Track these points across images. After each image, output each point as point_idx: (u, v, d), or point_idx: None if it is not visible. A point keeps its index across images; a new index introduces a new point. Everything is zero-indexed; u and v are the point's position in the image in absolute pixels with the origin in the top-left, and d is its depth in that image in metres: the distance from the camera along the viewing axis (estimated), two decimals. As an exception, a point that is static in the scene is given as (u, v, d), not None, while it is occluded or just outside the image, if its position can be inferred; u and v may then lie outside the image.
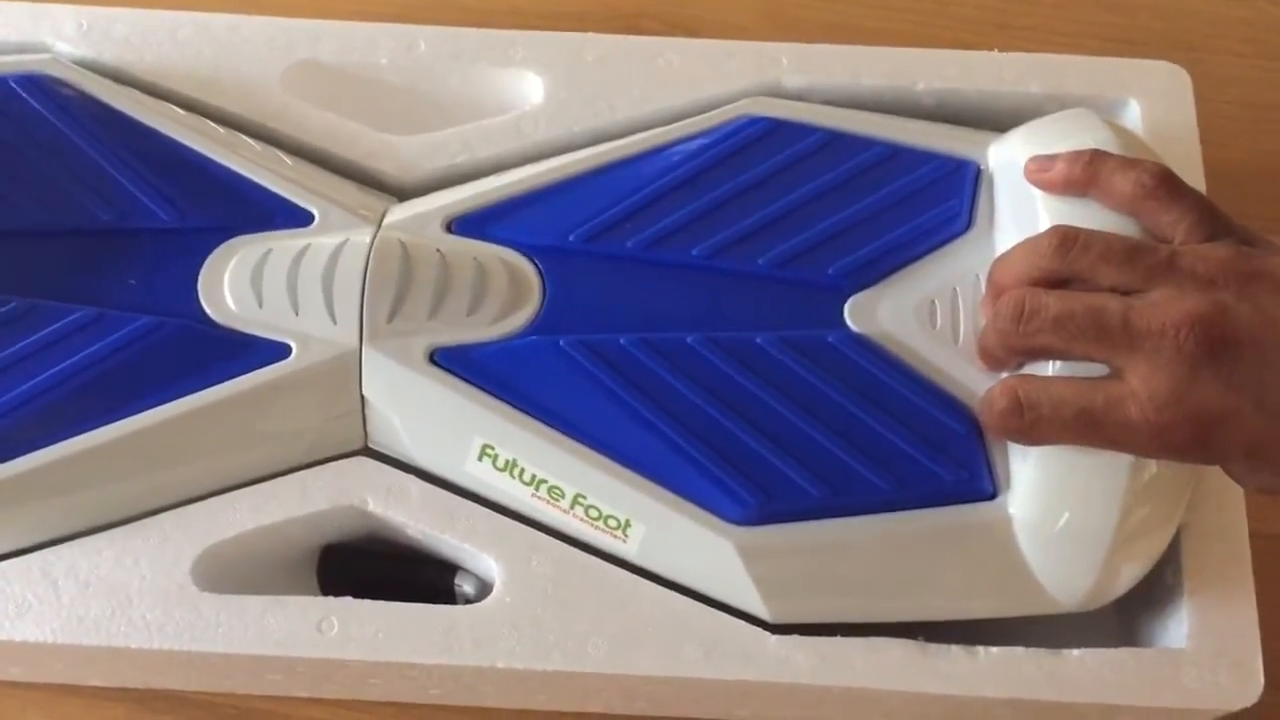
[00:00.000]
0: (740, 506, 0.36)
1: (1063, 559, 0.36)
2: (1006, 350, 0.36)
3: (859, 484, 0.36)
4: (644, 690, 0.38)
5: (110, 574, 0.37)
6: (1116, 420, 0.34)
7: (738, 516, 0.36)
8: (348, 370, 0.38)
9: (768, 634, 0.37)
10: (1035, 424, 0.34)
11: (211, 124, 0.43)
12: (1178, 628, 0.38)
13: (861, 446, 0.36)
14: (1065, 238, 0.35)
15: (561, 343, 0.38)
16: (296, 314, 0.38)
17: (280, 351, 0.38)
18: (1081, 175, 0.37)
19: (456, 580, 0.39)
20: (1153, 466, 0.35)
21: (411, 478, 0.39)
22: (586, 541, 0.38)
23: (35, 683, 0.42)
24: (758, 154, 0.42)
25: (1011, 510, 0.36)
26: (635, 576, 0.37)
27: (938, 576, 0.37)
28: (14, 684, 0.42)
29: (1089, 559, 0.36)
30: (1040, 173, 0.38)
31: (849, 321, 0.39)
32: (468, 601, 0.38)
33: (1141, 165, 0.37)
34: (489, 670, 0.36)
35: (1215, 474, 0.39)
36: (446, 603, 0.38)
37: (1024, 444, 0.36)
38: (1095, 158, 0.37)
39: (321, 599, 0.37)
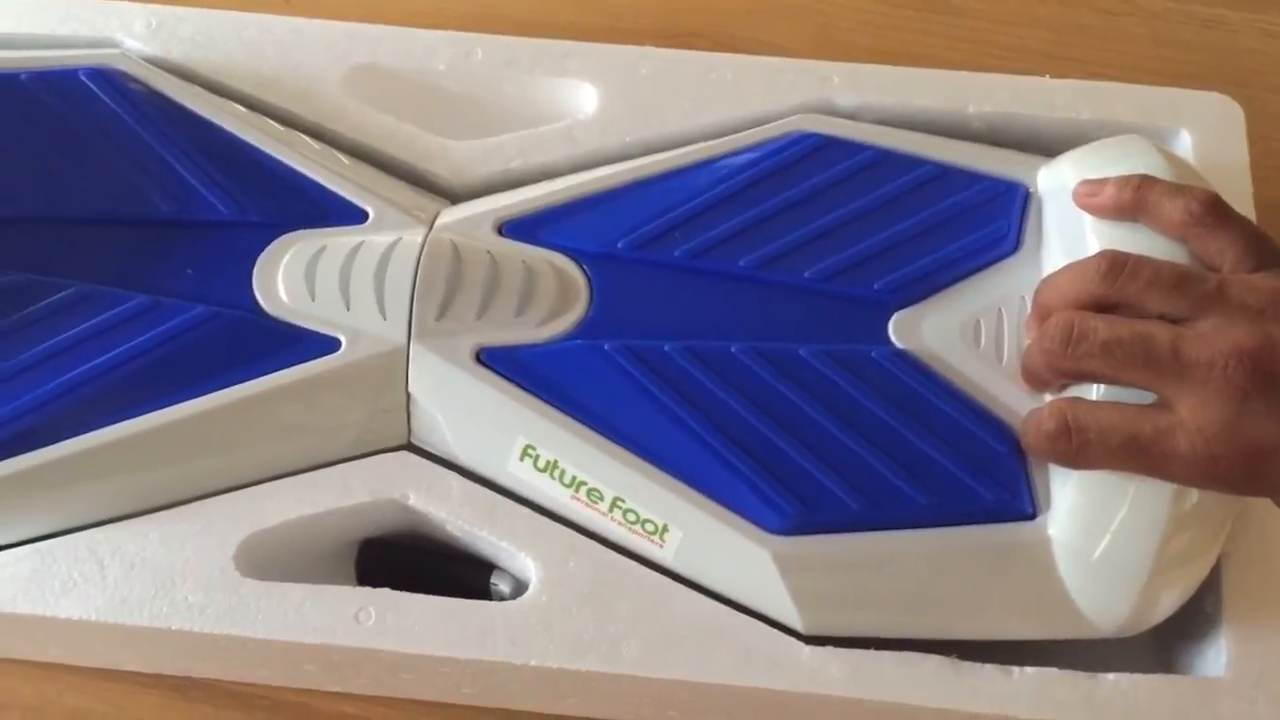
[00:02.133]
0: (779, 516, 0.36)
1: (1101, 583, 0.36)
2: (1052, 371, 0.36)
3: (898, 499, 0.36)
4: (676, 697, 0.38)
5: (155, 556, 0.38)
6: (1165, 450, 0.33)
7: (776, 526, 0.36)
8: (395, 366, 0.39)
9: (801, 644, 0.37)
10: (1083, 449, 0.34)
11: (271, 122, 0.44)
12: (1216, 657, 0.37)
13: (902, 461, 0.36)
14: (1114, 263, 0.35)
15: (606, 347, 0.38)
16: (348, 309, 0.39)
17: (330, 345, 0.39)
18: (1130, 200, 0.37)
19: (493, 579, 0.40)
20: (1195, 494, 0.35)
21: (453, 474, 0.39)
22: (623, 545, 0.38)
23: (72, 664, 0.43)
24: (807, 169, 0.42)
25: (1051, 532, 0.36)
26: (671, 581, 0.38)
27: (974, 595, 0.37)
28: (50, 665, 0.43)
29: (1128, 585, 0.36)
30: (1089, 197, 0.38)
31: (893, 337, 0.39)
32: (503, 600, 0.39)
33: (1191, 192, 0.37)
34: (523, 669, 0.37)
35: (1258, 503, 0.39)
36: (482, 600, 0.38)
37: (1070, 468, 0.36)
38: (1144, 183, 0.37)
39: (360, 589, 0.37)
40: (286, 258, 0.40)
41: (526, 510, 0.38)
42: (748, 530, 0.36)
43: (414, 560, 0.40)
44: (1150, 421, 0.34)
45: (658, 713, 0.41)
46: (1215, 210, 0.36)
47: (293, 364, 0.38)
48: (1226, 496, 0.36)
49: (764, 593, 0.36)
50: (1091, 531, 0.36)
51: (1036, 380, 0.37)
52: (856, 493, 0.36)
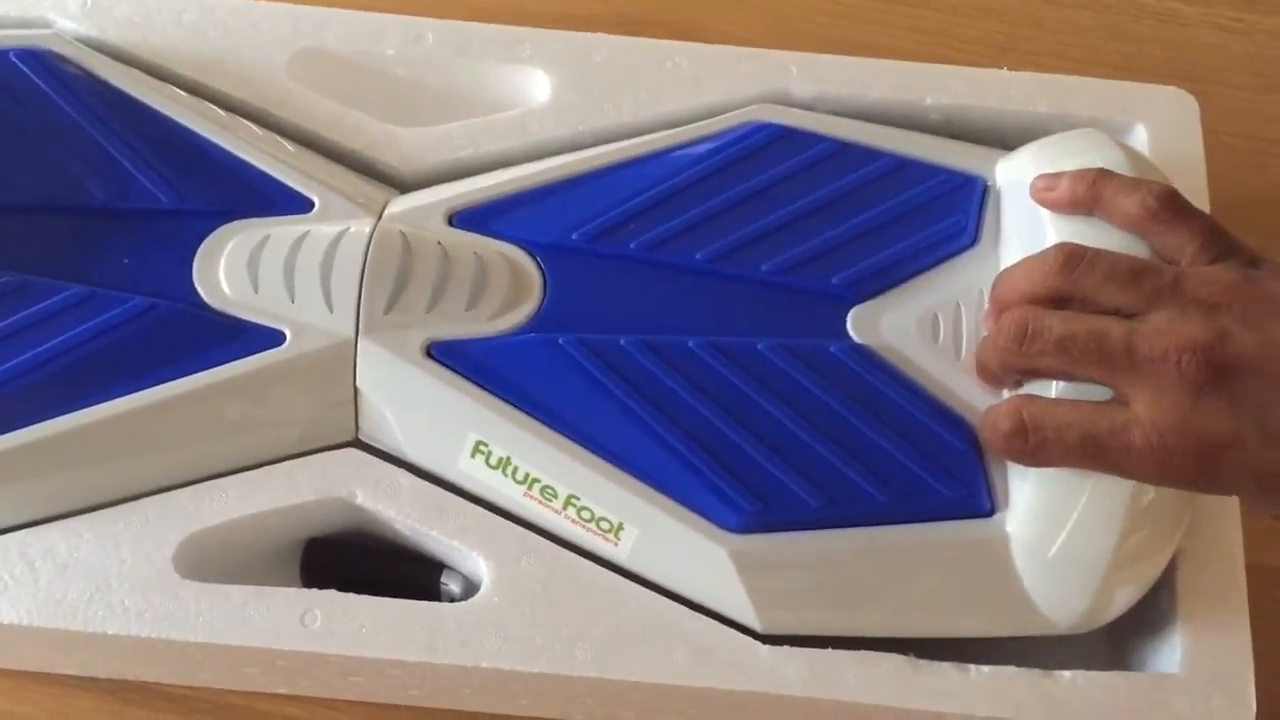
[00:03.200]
0: (736, 514, 0.35)
1: (1059, 580, 0.36)
2: (1005, 369, 0.36)
3: (857, 496, 0.35)
4: (630, 698, 0.38)
5: (90, 557, 0.36)
6: (1121, 446, 0.33)
7: (733, 524, 0.35)
8: (342, 360, 0.37)
9: (759, 644, 0.36)
10: (1040, 447, 0.34)
11: (213, 107, 0.42)
12: (1170, 653, 0.37)
13: (861, 458, 0.36)
14: (1071, 256, 0.35)
15: (560, 341, 0.37)
16: (292, 301, 0.38)
17: (274, 339, 0.38)
18: (1086, 194, 0.37)
19: (443, 579, 0.39)
20: (1152, 491, 0.35)
21: (402, 471, 0.38)
22: (577, 544, 0.37)
23: (3, 669, 0.42)
24: (765, 160, 0.41)
25: (1009, 529, 0.36)
26: (626, 581, 0.37)
27: (933, 592, 0.36)
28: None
29: (1085, 581, 0.35)
30: (1046, 191, 0.38)
31: (851, 332, 0.38)
32: (453, 600, 0.38)
33: (1147, 186, 0.36)
34: (474, 671, 0.36)
35: (1212, 501, 0.39)
36: (432, 601, 0.37)
37: (1027, 465, 0.35)
38: (1100, 177, 0.37)
39: (306, 591, 0.36)
40: (229, 248, 0.39)
41: (478, 509, 0.37)
42: (705, 528, 0.35)
43: (362, 560, 0.39)
44: (1106, 418, 0.33)
45: (610, 713, 0.40)
46: (1172, 204, 0.36)
47: (235, 358, 0.37)
48: (1182, 494, 0.36)
49: (721, 591, 0.36)
50: (1049, 528, 0.35)
51: (991, 377, 0.37)
52: (815, 490, 0.35)
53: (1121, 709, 0.36)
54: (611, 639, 0.36)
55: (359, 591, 0.37)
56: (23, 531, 0.37)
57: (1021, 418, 0.34)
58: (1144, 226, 0.36)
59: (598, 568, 0.37)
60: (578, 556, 0.37)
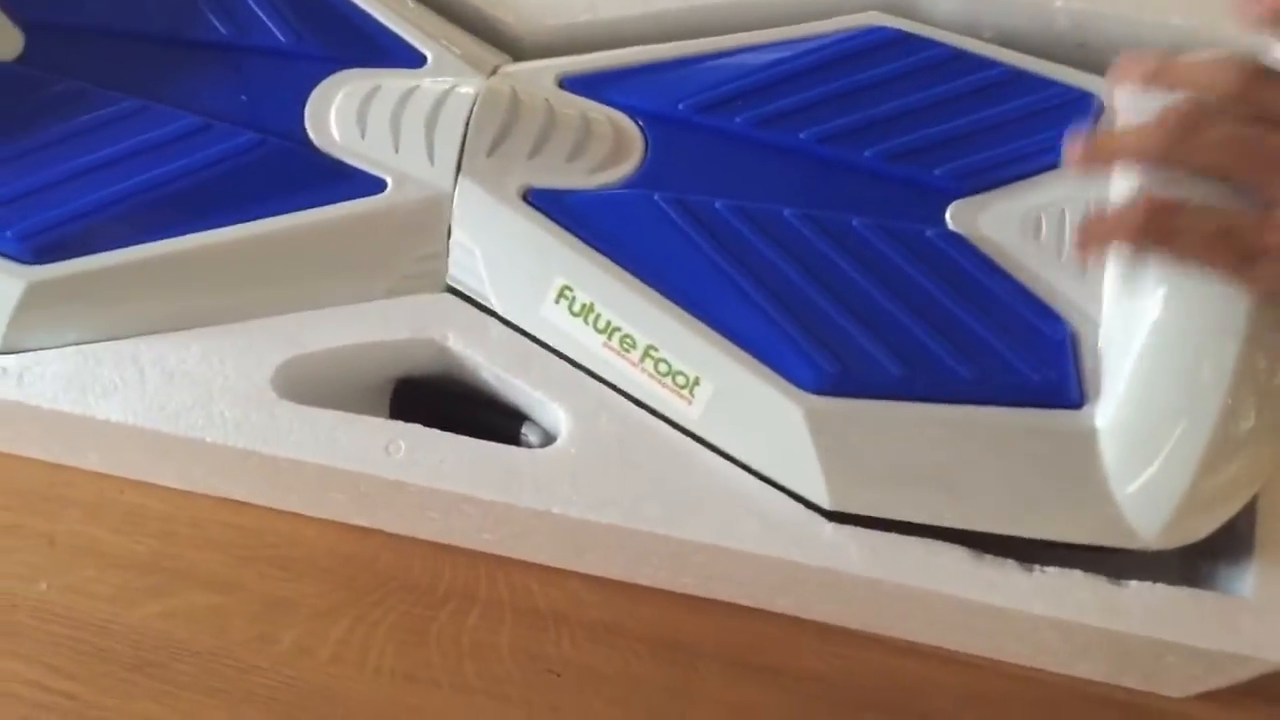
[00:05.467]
0: (815, 373, 0.35)
1: (1148, 486, 0.35)
2: (1164, 155, 0.33)
3: (941, 370, 0.35)
4: (692, 560, 0.38)
5: (195, 369, 0.38)
6: (1258, 245, 0.32)
7: (811, 383, 0.35)
8: (439, 212, 0.38)
9: (824, 520, 0.37)
10: (1173, 230, 0.33)
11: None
12: (1242, 578, 0.37)
13: (947, 335, 0.36)
14: (1258, 69, 0.33)
15: (656, 197, 0.37)
16: (396, 151, 0.39)
17: (376, 185, 0.39)
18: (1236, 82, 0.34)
19: (524, 429, 0.40)
20: (1250, 416, 0.34)
21: (493, 320, 0.39)
22: (652, 405, 0.38)
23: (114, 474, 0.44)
24: (878, 58, 0.41)
25: (1098, 423, 0.35)
26: (699, 445, 0.37)
27: (1011, 483, 0.36)
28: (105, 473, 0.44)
29: (1175, 490, 0.35)
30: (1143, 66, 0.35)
31: (950, 222, 0.38)
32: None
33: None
34: (545, 516, 0.37)
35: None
36: (512, 450, 0.38)
37: (1154, 251, 0.33)
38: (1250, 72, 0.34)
39: (392, 423, 0.38)
40: (340, 94, 0.40)
41: (562, 363, 0.38)
42: (782, 386, 0.35)
43: (448, 403, 0.41)
44: (1249, 217, 0.32)
45: (672, 577, 0.41)
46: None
47: (337, 200, 0.38)
48: (1275, 422, 0.35)
49: (793, 458, 0.36)
50: (1143, 426, 0.35)
51: (1145, 155, 0.34)
52: (897, 359, 0.35)
53: (1186, 624, 0.36)
54: (681, 499, 0.37)
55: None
56: (136, 339, 0.39)
57: (1163, 198, 0.33)
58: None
59: (673, 431, 0.38)
60: (653, 418, 0.38)
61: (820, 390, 0.35)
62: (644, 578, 0.42)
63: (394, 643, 0.43)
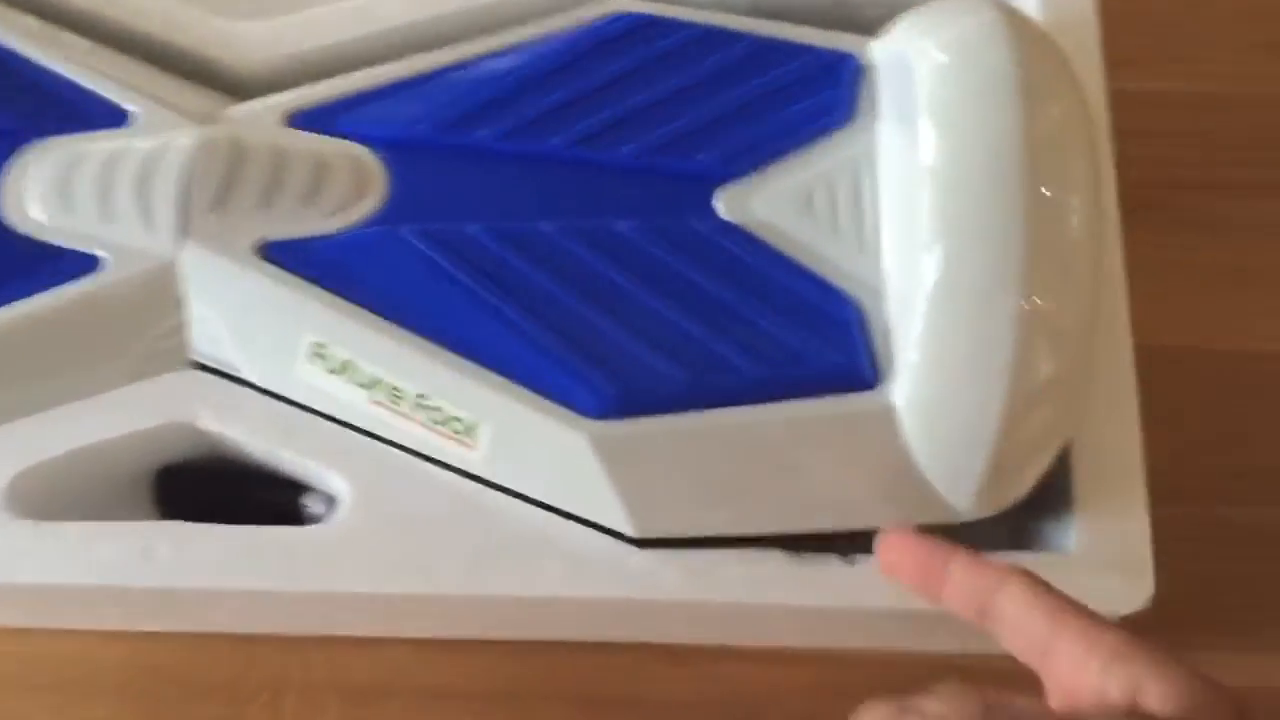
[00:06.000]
0: (595, 398, 0.33)
1: (951, 456, 0.33)
2: None
3: (727, 371, 0.33)
4: (507, 615, 0.36)
5: (-89, 502, 0.34)
6: None
7: (593, 409, 0.33)
8: (166, 283, 0.35)
9: (633, 548, 0.34)
10: None
11: (20, 13, 0.39)
12: (1066, 535, 0.36)
13: (730, 332, 0.33)
14: None
15: (403, 231, 0.35)
16: (109, 222, 0.35)
17: (90, 263, 0.35)
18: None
19: (304, 500, 0.37)
20: (1047, 365, 0.33)
21: (248, 391, 0.36)
22: (435, 455, 0.35)
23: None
24: (624, 47, 0.39)
25: (895, 399, 0.33)
26: (491, 490, 0.35)
27: (817, 477, 0.34)
28: None
29: (979, 453, 0.33)
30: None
31: (720, 211, 0.36)
32: (318, 522, 0.36)
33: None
34: (334, 597, 0.34)
35: (1109, 387, 0.38)
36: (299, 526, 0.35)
37: None
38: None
39: (150, 523, 0.34)
40: (38, 166, 0.36)
41: (331, 426, 0.35)
42: (562, 416, 0.33)
43: (217, 487, 0.37)
44: None
45: (498, 628, 0.39)
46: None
47: (48, 286, 0.34)
48: (1076, 373, 0.34)
49: (587, 490, 0.34)
50: (937, 396, 0.33)
51: None
52: (680, 368, 0.33)
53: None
54: (479, 553, 0.34)
55: (222, 522, 0.35)
56: None
57: None
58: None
59: (460, 479, 0.35)
60: (438, 468, 0.35)
61: (603, 414, 0.33)
62: (470, 633, 0.39)
63: (199, 756, 0.39)
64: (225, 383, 0.36)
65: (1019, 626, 0.30)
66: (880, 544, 0.33)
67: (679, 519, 0.34)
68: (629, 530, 0.34)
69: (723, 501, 0.34)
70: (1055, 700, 0.30)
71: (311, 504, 0.37)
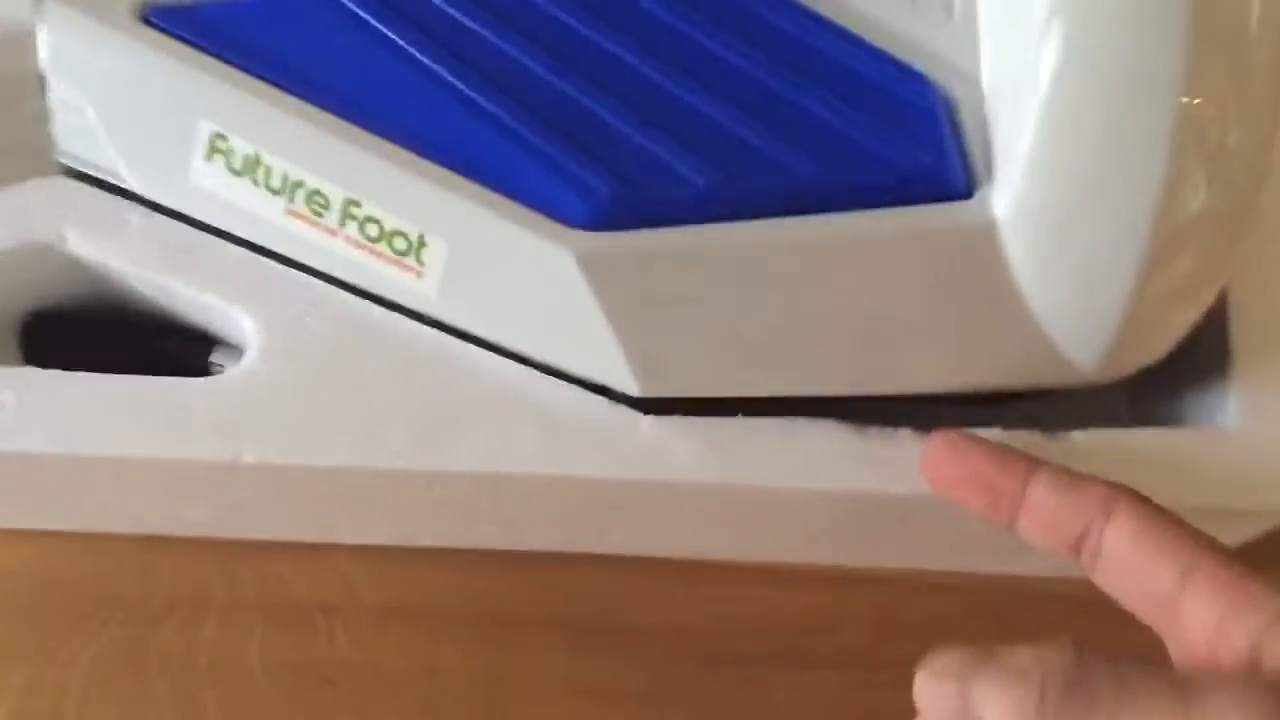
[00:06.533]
0: (586, 200, 0.24)
1: (1075, 291, 0.24)
2: None
3: (769, 171, 0.24)
4: (476, 503, 0.27)
5: None
6: None
7: (583, 215, 0.24)
8: (18, 52, 0.26)
9: (637, 413, 0.26)
10: None
11: None
12: (1219, 408, 0.27)
13: (771, 120, 0.24)
14: None
15: (330, -14, 0.26)
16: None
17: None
18: None
19: (212, 358, 0.28)
20: (1201, 182, 0.24)
21: (128, 203, 0.27)
22: (372, 288, 0.26)
23: None
24: None
25: (996, 211, 0.24)
26: (448, 336, 0.26)
27: (884, 318, 0.25)
28: None
29: (1114, 294, 0.24)
30: None
31: (761, -28, 0.27)
32: (225, 384, 0.27)
33: None
34: (235, 468, 0.25)
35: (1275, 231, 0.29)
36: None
37: None
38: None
39: (-4, 371, 0.26)
40: None
41: (238, 249, 0.27)
42: (540, 225, 0.24)
43: (100, 335, 0.29)
44: None
45: (466, 529, 0.30)
46: None
47: None
48: (1233, 210, 0.25)
49: (574, 331, 0.25)
50: (1056, 218, 0.24)
51: None
52: (705, 163, 0.24)
53: (1156, 475, 0.25)
54: (431, 416, 0.25)
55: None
56: None
57: None
58: None
59: (408, 321, 0.26)
60: (379, 306, 0.26)
61: (597, 224, 0.24)
62: (430, 536, 0.31)
63: (98, 684, 0.31)
64: (100, 193, 0.27)
65: (1131, 570, 0.22)
66: (927, 452, 0.24)
67: (699, 374, 0.25)
68: (631, 388, 0.25)
69: (759, 350, 0.25)
70: (1183, 663, 0.21)
71: (223, 360, 0.28)
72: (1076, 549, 0.23)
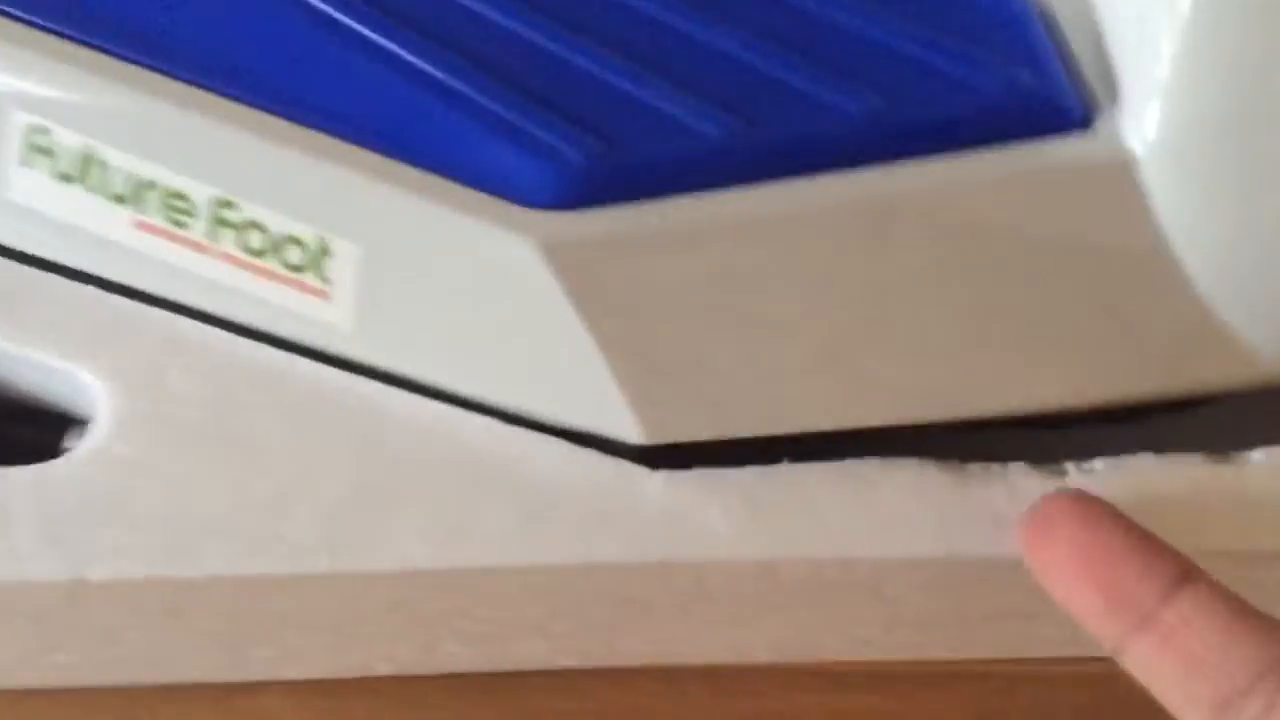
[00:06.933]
0: (553, 169, 0.17)
1: (1251, 246, 0.17)
2: None
3: (811, 112, 0.17)
4: (410, 608, 0.20)
5: None
6: None
7: (550, 189, 0.16)
8: None
9: (645, 470, 0.19)
10: None
11: None
12: None
13: (813, 51, 0.17)
14: None
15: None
16: None
17: None
18: None
19: (67, 442, 0.21)
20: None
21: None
22: (256, 325, 0.19)
23: None
24: None
25: (1133, 145, 0.17)
26: (371, 382, 0.19)
27: (986, 301, 0.18)
28: None
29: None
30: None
31: None
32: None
33: None
34: (87, 591, 0.18)
35: None
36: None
37: None
38: None
39: None
40: None
41: (78, 285, 0.20)
42: (490, 210, 0.17)
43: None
44: None
45: (422, 655, 0.23)
46: None
47: None
48: None
49: (548, 359, 0.18)
50: (1220, 158, 0.17)
51: None
52: (721, 110, 0.17)
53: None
54: (351, 496, 0.18)
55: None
56: None
57: None
58: None
59: (315, 365, 0.19)
60: (272, 348, 0.19)
61: (568, 199, 0.17)
62: (384, 662, 0.23)
63: None
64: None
65: None
66: (1034, 518, 0.17)
67: (725, 408, 0.18)
68: (633, 434, 0.18)
69: (807, 365, 0.18)
70: None
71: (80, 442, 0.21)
72: (1218, 713, 0.15)
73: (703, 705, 0.25)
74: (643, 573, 0.18)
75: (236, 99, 0.18)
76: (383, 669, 0.23)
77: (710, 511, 0.18)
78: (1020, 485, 0.18)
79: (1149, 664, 0.15)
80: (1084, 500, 0.16)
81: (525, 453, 0.18)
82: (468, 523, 0.18)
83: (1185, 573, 0.15)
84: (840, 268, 0.17)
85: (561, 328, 0.17)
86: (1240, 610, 0.15)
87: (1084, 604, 0.16)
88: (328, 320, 0.18)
